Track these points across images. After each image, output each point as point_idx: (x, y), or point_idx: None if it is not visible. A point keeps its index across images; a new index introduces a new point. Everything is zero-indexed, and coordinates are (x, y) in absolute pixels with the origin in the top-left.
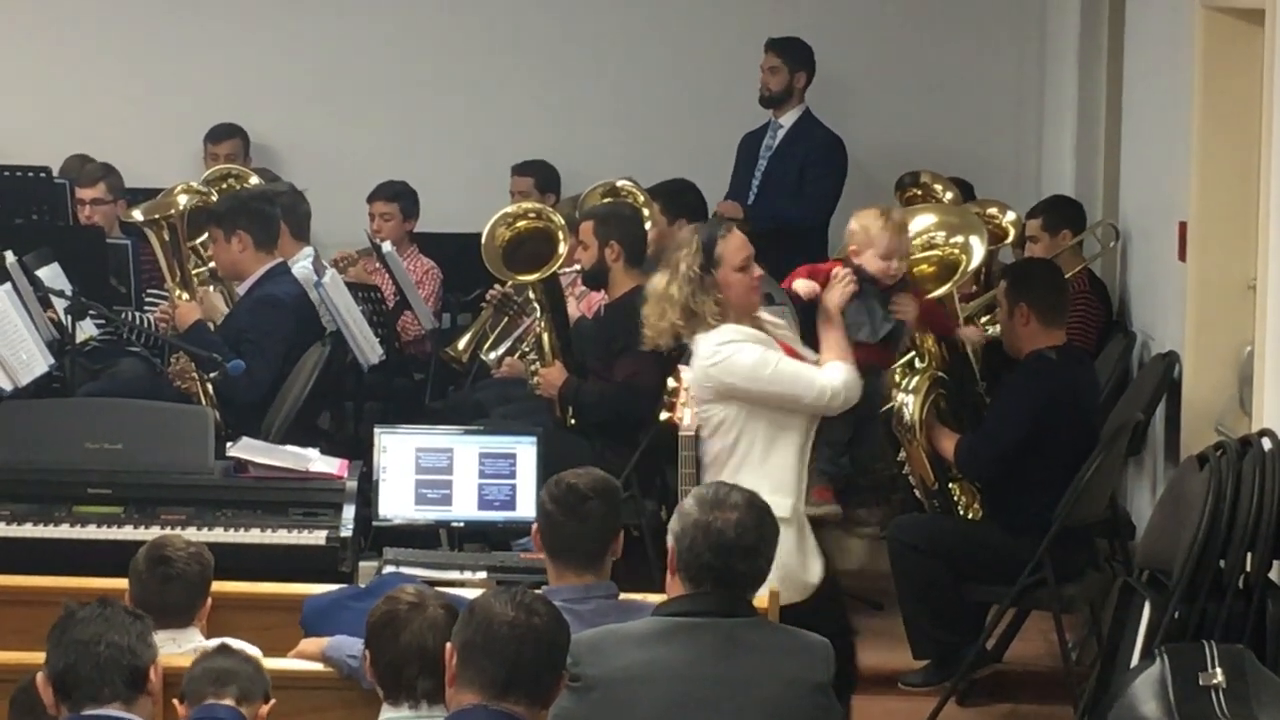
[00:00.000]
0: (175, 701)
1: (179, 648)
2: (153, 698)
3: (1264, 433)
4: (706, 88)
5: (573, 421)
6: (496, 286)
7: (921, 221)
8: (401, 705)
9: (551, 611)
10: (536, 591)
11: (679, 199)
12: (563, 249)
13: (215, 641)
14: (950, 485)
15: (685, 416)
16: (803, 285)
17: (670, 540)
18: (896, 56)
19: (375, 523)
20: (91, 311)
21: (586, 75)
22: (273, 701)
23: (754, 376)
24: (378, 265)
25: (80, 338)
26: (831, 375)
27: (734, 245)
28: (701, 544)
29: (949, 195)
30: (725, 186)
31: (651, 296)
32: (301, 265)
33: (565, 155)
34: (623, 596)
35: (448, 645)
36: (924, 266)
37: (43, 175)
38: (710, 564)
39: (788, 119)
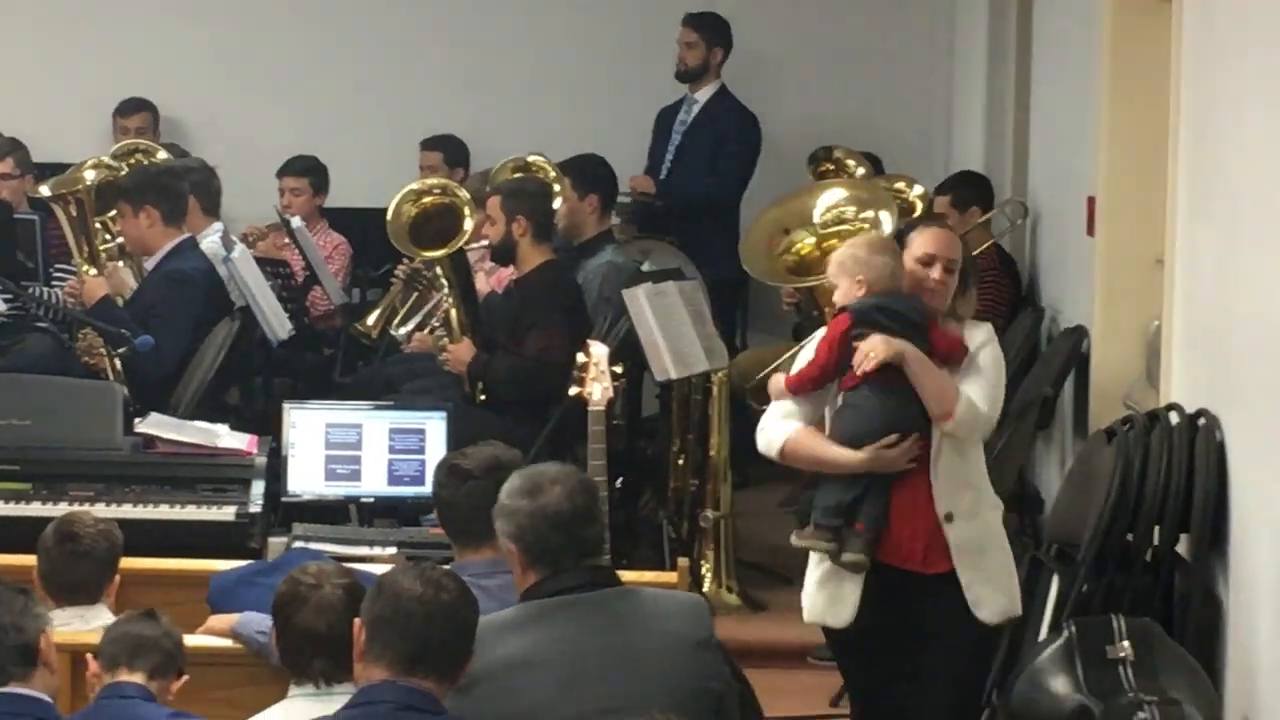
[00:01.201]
0: (89, 656)
1: (87, 625)
2: (49, 669)
3: (1171, 407)
4: (621, 62)
5: (482, 397)
6: (405, 262)
7: (831, 196)
8: (305, 684)
9: (460, 586)
10: (445, 567)
11: (590, 174)
12: (469, 225)
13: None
14: None
15: (595, 391)
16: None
17: (510, 544)
18: (810, 32)
19: (284, 498)
20: None
21: (499, 50)
22: (185, 677)
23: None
24: (287, 240)
25: None
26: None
27: (923, 238)
28: (544, 529)
29: (860, 170)
30: (640, 162)
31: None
32: (210, 240)
33: (476, 130)
34: None
35: (356, 621)
36: (834, 241)
37: None
38: (559, 544)
39: (703, 94)
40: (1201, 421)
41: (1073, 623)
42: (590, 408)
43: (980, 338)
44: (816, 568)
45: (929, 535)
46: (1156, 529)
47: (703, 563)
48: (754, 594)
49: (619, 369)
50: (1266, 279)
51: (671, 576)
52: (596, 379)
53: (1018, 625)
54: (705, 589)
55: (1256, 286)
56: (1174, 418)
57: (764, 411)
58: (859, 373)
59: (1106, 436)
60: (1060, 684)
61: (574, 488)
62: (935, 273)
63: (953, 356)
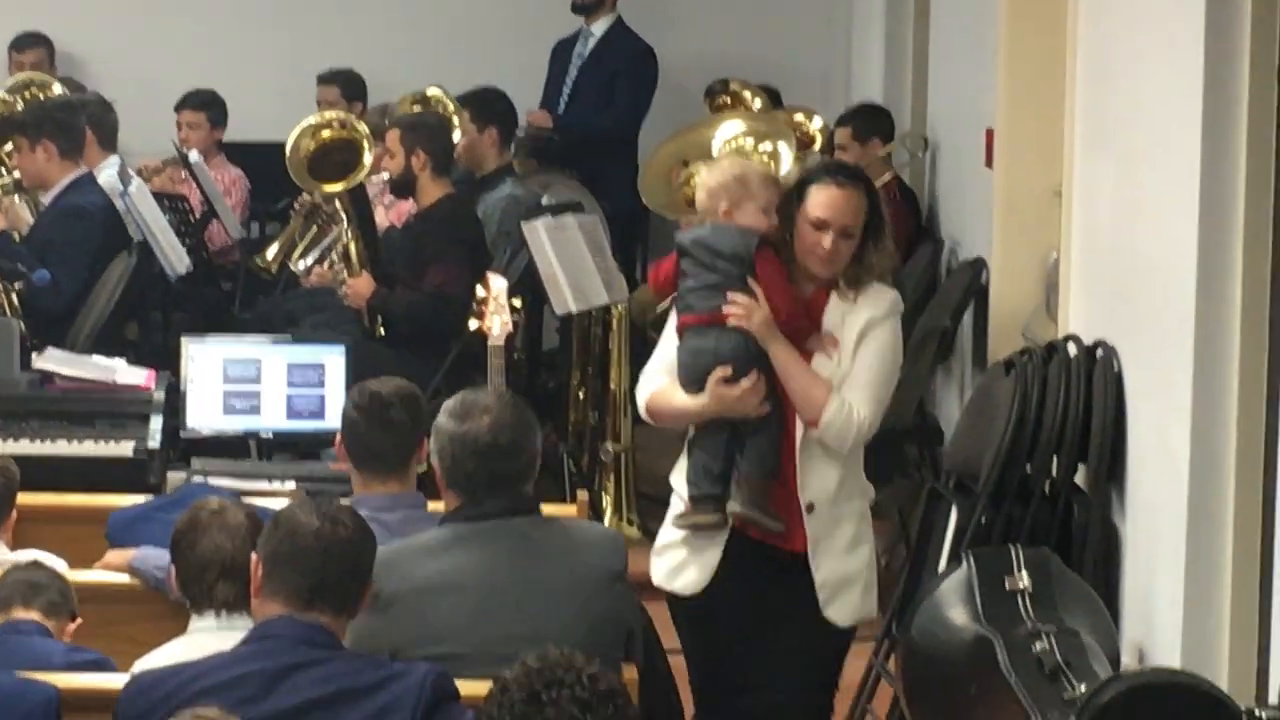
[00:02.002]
0: None
1: None
2: None
3: (1069, 338)
4: None
5: (382, 331)
6: (304, 196)
7: (730, 129)
8: (206, 614)
9: (357, 521)
10: (343, 501)
11: (488, 107)
12: (368, 159)
13: (25, 554)
14: None
15: (494, 325)
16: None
17: (434, 460)
18: None
19: (183, 433)
20: None
21: None
22: (79, 621)
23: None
24: (185, 175)
25: None
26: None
27: (819, 199)
28: (461, 455)
29: (758, 103)
30: (537, 94)
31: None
32: (107, 174)
33: (373, 64)
34: (430, 506)
35: (253, 556)
36: None
37: None
38: (474, 472)
39: (599, 27)
40: (1099, 353)
41: (971, 554)
42: (489, 342)
43: (875, 311)
44: (670, 527)
45: (793, 511)
46: (1054, 460)
47: (603, 495)
48: (654, 527)
49: (518, 303)
50: (1163, 210)
51: (571, 509)
52: (496, 313)
53: (916, 557)
54: (605, 521)
55: (1153, 218)
56: (1072, 349)
57: None
58: (730, 323)
59: (1005, 368)
60: (959, 615)
61: (502, 421)
62: (825, 240)
63: (792, 328)
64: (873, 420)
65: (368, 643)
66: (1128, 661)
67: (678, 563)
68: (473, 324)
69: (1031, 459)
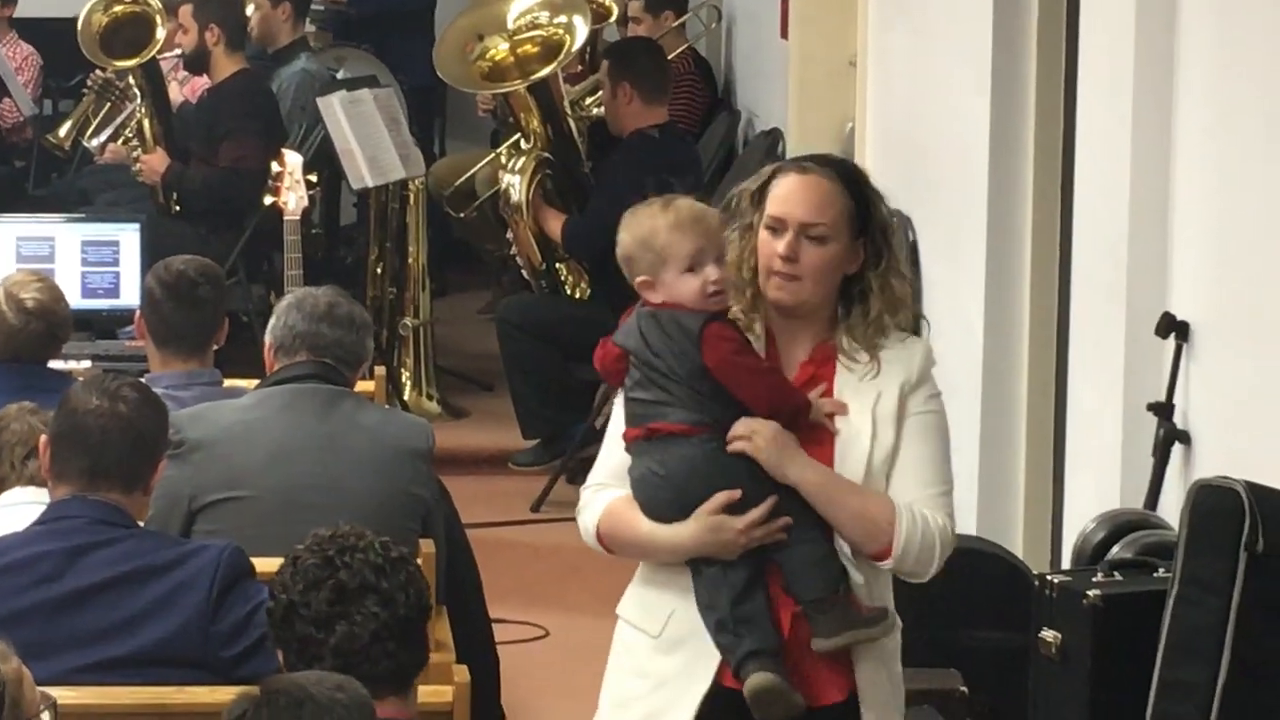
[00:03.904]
0: None
1: None
2: None
3: None
4: None
5: (177, 208)
6: (97, 72)
7: (524, 2)
8: (22, 490)
9: (141, 398)
10: (134, 379)
11: None
12: (161, 34)
13: None
14: (557, 265)
15: (290, 201)
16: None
17: (267, 337)
18: None
19: None
20: None
21: None
22: None
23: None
24: None
25: None
26: None
27: (775, 193)
28: (294, 316)
29: None
30: None
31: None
32: None
33: None
34: (227, 383)
35: (42, 438)
36: (528, 47)
37: None
38: (302, 331)
39: None
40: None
41: None
42: (286, 217)
43: (908, 373)
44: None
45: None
46: None
47: (402, 370)
48: (454, 401)
49: (314, 178)
50: (956, 81)
51: (369, 385)
52: (291, 188)
53: None
54: (405, 397)
55: (946, 88)
56: None
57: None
58: (730, 448)
59: None
60: None
61: (341, 298)
62: (781, 246)
63: (781, 412)
64: (953, 525)
65: (170, 488)
66: None
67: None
68: (268, 200)
69: None
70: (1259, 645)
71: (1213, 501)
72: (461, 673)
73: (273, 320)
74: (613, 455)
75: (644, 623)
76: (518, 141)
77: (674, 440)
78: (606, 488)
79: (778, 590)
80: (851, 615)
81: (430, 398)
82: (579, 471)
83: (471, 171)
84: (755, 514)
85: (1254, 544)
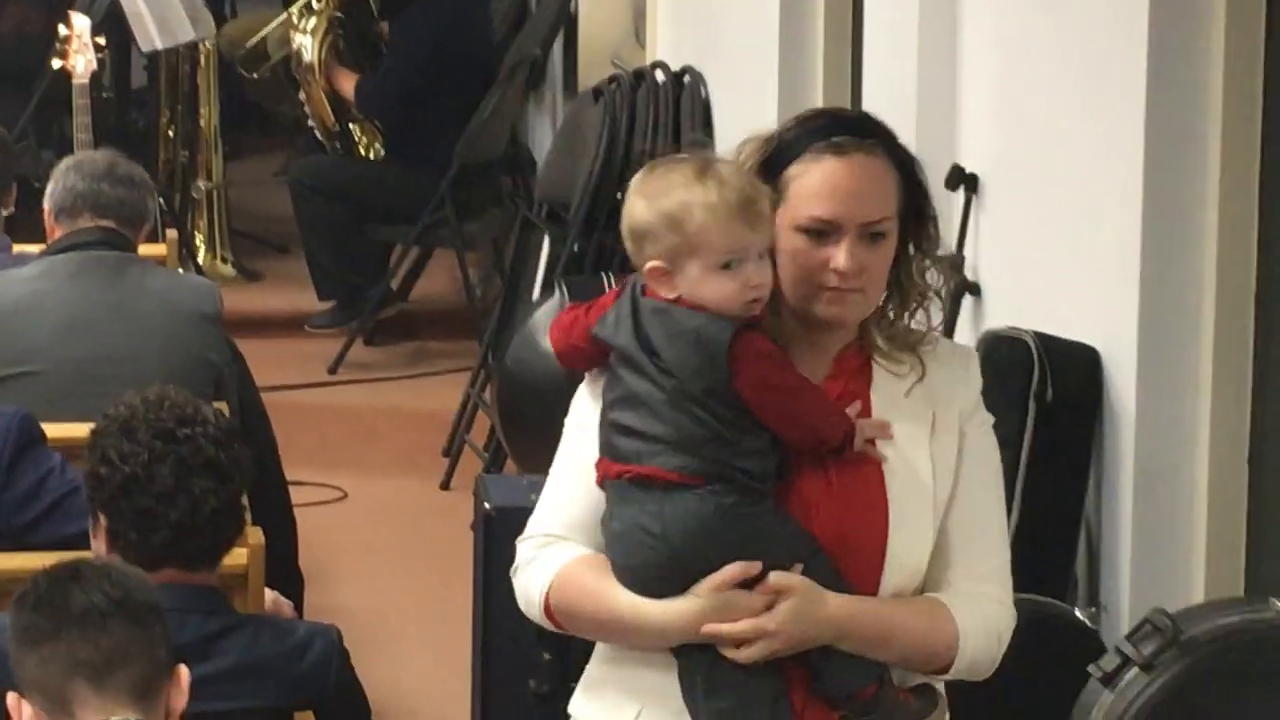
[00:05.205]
0: None
1: None
2: None
3: (657, 65)
4: None
5: None
6: None
7: None
8: None
9: None
10: None
11: None
12: None
13: None
14: (351, 126)
15: (79, 64)
16: None
17: (46, 202)
18: None
19: None
20: None
21: None
22: None
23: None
24: None
25: None
26: None
27: (814, 180)
28: (73, 177)
29: None
30: None
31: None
32: None
33: None
34: (16, 249)
35: None
36: None
37: None
38: (83, 191)
39: None
40: (687, 79)
41: (563, 281)
42: (74, 81)
43: (965, 385)
44: None
45: None
46: None
47: (196, 234)
48: (249, 264)
49: (103, 40)
50: None
51: (160, 249)
52: (80, 51)
53: (510, 286)
54: (199, 260)
55: None
56: (660, 75)
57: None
58: (736, 659)
59: (594, 96)
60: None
61: (120, 158)
62: (840, 255)
63: (825, 444)
64: (1011, 600)
65: None
66: None
67: None
68: (56, 63)
69: (621, 186)
70: (1044, 494)
71: (1004, 351)
72: (256, 535)
73: (51, 185)
74: (573, 498)
75: None
76: (309, 2)
77: (675, 490)
78: (559, 542)
79: (799, 690)
80: (899, 711)
81: (225, 261)
82: (375, 333)
83: (263, 33)
84: (780, 579)
85: (1043, 394)
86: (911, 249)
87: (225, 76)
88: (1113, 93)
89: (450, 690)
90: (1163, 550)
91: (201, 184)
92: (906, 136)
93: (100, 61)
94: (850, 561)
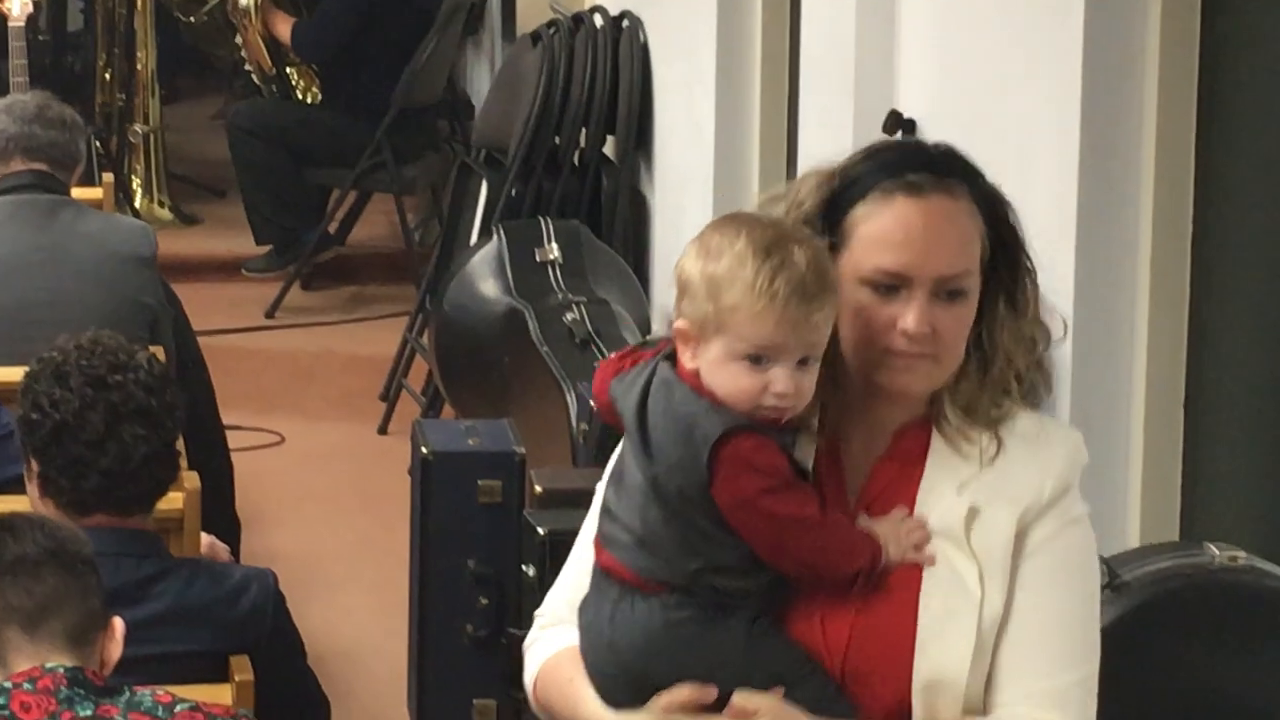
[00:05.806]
0: None
1: None
2: None
3: (595, 9)
4: None
5: None
6: None
7: None
8: None
9: None
10: None
11: None
12: None
13: None
14: (288, 70)
15: (14, 7)
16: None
17: None
18: None
19: None
20: None
21: None
22: None
23: None
24: None
25: None
26: None
27: (882, 226)
28: (4, 120)
29: None
30: None
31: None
32: None
33: None
34: None
35: None
36: None
37: None
38: (15, 134)
39: None
40: (625, 23)
41: (501, 227)
42: (10, 23)
43: (1045, 478)
44: None
45: None
46: (583, 132)
47: (133, 177)
48: (186, 208)
49: None
50: None
51: (96, 193)
52: None
53: (448, 231)
54: (136, 204)
55: None
56: (598, 20)
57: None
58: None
59: (532, 40)
60: (490, 287)
61: (52, 99)
62: (909, 315)
63: (831, 579)
64: None
65: None
66: (657, 329)
67: None
68: None
69: (560, 131)
70: None
71: None
72: (192, 479)
73: None
74: (580, 573)
75: None
76: None
77: (628, 593)
78: (560, 625)
79: None
80: None
81: (162, 205)
82: (313, 277)
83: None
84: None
85: None
86: (1001, 306)
87: (163, 19)
88: (1050, 44)
89: (388, 634)
90: (1099, 495)
91: (139, 127)
92: (844, 81)
93: (36, 4)
94: (868, 684)
